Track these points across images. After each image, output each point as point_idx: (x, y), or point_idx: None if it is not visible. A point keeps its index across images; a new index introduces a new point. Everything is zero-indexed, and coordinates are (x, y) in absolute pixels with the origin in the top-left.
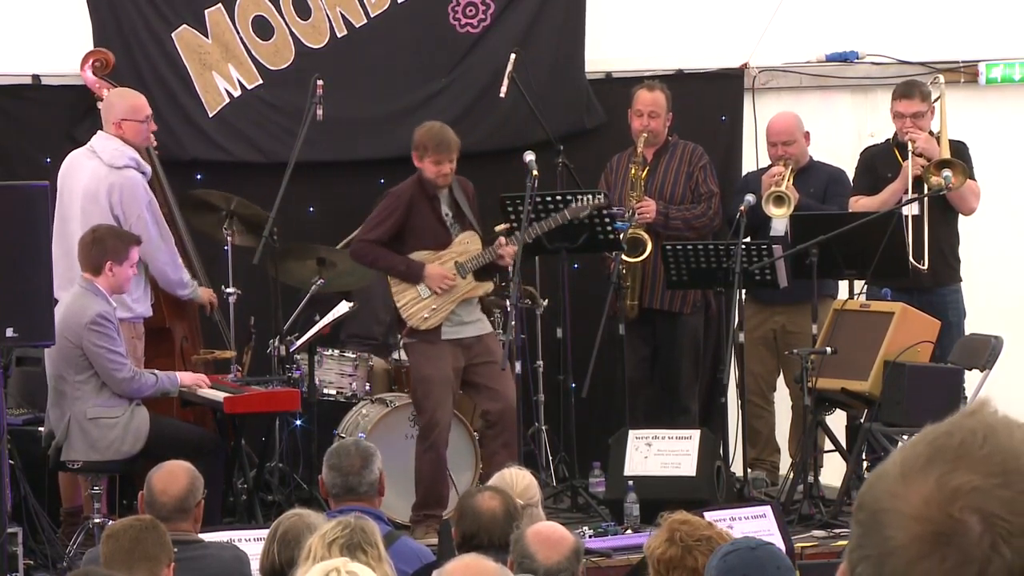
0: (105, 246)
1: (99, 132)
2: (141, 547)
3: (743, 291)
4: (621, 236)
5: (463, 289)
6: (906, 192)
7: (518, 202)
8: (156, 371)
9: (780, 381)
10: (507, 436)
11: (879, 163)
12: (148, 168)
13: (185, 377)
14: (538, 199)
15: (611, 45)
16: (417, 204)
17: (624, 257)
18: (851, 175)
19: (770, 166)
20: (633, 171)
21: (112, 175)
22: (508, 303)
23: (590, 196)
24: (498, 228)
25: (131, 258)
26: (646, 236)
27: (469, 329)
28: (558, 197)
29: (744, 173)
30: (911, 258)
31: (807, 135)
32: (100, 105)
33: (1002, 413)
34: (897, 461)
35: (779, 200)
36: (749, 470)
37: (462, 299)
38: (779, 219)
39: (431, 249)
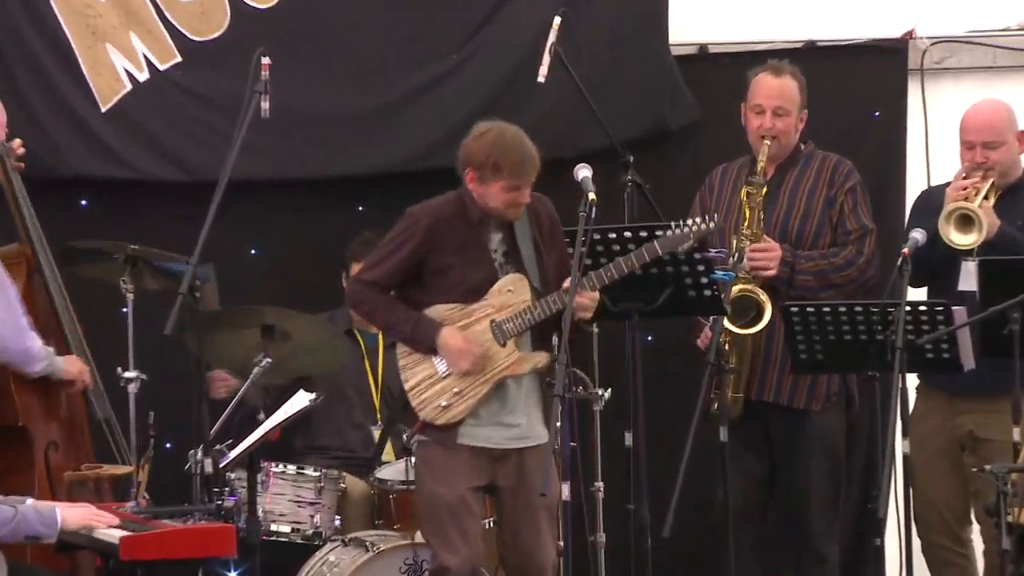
0: None
1: None
2: None
3: (908, 376)
4: (722, 293)
5: (501, 364)
6: None
7: (568, 240)
8: (15, 500)
9: None
10: None
11: None
12: None
13: (71, 515)
14: (596, 236)
15: (708, 6)
16: (448, 233)
17: (728, 325)
18: None
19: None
20: (746, 193)
21: None
22: (553, 393)
23: (690, 223)
24: None
25: None
26: (762, 295)
27: (504, 433)
28: (627, 234)
29: (924, 189)
30: None
31: (1021, 136)
32: None
33: None
34: None
35: (964, 221)
36: None
37: (500, 378)
38: (963, 247)
39: (460, 302)
